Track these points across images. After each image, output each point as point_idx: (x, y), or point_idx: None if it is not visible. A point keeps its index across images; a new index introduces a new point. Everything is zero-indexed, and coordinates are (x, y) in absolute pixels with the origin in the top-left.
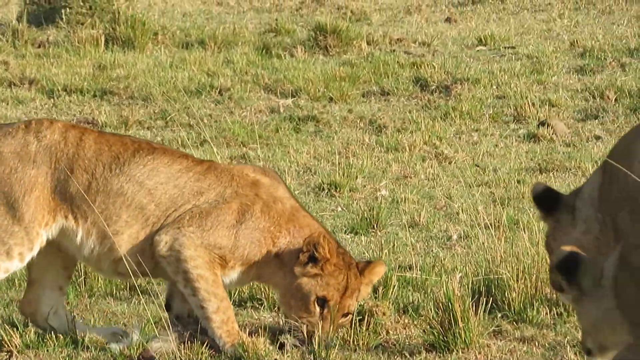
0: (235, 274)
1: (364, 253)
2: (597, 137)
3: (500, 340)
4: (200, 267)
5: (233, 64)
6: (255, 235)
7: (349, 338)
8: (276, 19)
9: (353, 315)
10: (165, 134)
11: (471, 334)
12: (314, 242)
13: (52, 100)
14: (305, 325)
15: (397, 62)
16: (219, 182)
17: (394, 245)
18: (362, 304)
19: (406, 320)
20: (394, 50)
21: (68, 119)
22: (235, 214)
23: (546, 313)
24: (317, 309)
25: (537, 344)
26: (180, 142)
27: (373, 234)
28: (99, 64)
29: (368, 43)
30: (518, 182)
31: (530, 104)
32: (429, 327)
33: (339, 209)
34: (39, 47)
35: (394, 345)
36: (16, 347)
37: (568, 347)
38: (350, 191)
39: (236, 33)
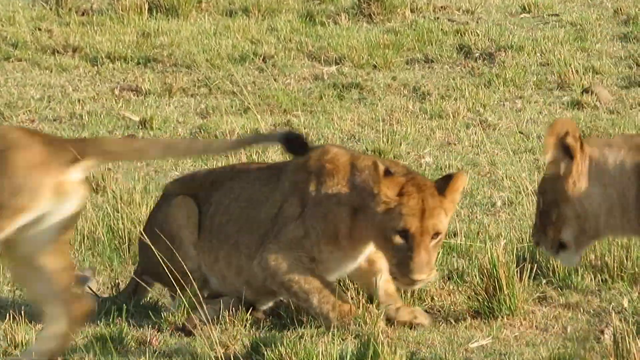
0: (328, 258)
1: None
2: None
3: (545, 307)
4: (287, 272)
5: (277, 32)
6: (320, 210)
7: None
8: None
9: (445, 234)
10: (208, 101)
11: (516, 300)
12: (369, 180)
13: (95, 67)
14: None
15: (441, 29)
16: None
17: None
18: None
19: (451, 287)
20: (437, 18)
21: (112, 87)
22: (295, 204)
23: (591, 279)
24: (402, 241)
25: (581, 310)
26: (223, 110)
27: None
28: (142, 31)
29: (412, 10)
30: None
31: (574, 71)
32: (473, 293)
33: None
34: (83, 15)
35: (439, 311)
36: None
37: (613, 313)
38: (394, 158)
39: (280, 1)
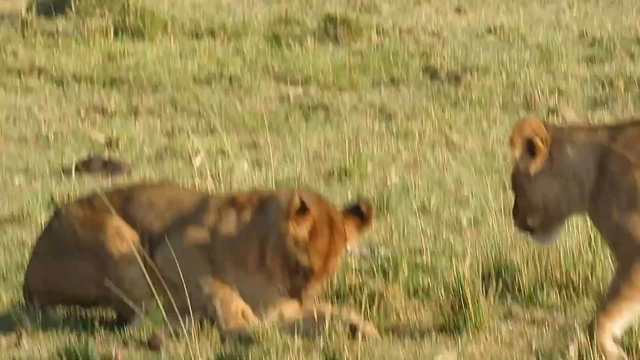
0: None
1: (374, 238)
2: None
3: (511, 323)
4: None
5: (243, 54)
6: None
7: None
8: (286, 9)
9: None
10: (174, 121)
11: (481, 317)
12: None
13: (61, 88)
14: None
15: (407, 51)
16: None
17: (404, 230)
18: (372, 287)
19: (417, 303)
20: (403, 40)
21: (78, 107)
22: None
23: (556, 296)
24: (301, 275)
25: (547, 326)
26: (189, 130)
27: (383, 219)
28: (108, 53)
29: (378, 33)
30: None
31: (539, 92)
32: (439, 309)
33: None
34: (49, 37)
35: (405, 328)
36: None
37: (578, 329)
38: (360, 178)
39: (246, 23)
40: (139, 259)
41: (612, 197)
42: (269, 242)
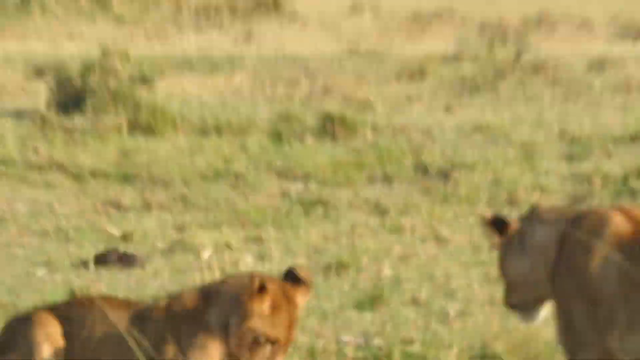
0: None
1: (368, 328)
2: None
3: None
4: None
5: (247, 150)
6: None
7: None
8: (287, 107)
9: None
10: (184, 216)
11: None
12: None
13: (79, 183)
14: None
15: (400, 149)
16: None
17: (396, 320)
18: None
19: None
20: (396, 138)
21: (94, 202)
22: None
23: None
24: (270, 347)
25: None
26: (198, 224)
27: (377, 310)
28: (122, 149)
29: (373, 130)
30: None
31: (522, 188)
32: None
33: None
34: (67, 133)
35: None
36: None
37: None
38: (355, 270)
39: (250, 121)
40: None
41: (565, 280)
42: (235, 319)
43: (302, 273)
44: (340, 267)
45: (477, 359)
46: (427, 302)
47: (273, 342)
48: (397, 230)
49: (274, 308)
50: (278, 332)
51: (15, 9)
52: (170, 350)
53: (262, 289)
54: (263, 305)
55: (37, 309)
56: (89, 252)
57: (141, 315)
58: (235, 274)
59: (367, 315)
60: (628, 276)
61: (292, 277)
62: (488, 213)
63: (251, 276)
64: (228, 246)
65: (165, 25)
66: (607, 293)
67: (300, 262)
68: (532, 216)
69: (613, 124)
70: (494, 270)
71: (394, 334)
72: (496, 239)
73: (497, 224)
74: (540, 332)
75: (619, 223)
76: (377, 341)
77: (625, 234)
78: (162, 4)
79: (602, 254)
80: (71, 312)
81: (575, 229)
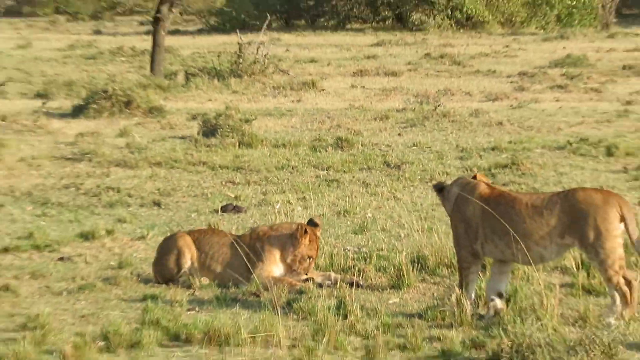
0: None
1: (360, 243)
2: None
3: None
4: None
5: (298, 155)
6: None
7: None
8: (318, 134)
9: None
10: (267, 188)
11: None
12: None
13: (215, 172)
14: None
15: (375, 154)
16: None
17: (374, 239)
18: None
19: None
20: (374, 149)
21: (222, 181)
22: None
23: None
24: (308, 261)
25: None
26: (273, 192)
27: (364, 234)
28: (235, 155)
29: (362, 145)
30: None
31: (437, 174)
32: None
33: None
34: (207, 147)
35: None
36: None
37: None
38: (353, 214)
39: (300, 141)
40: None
41: (455, 214)
42: (291, 248)
43: (317, 220)
44: (345, 212)
45: (415, 259)
46: (389, 230)
47: (310, 257)
48: (374, 194)
49: (310, 240)
50: (313, 253)
51: (182, 85)
52: (252, 260)
53: (305, 231)
54: (306, 240)
55: (179, 231)
56: (217, 205)
57: (237, 239)
58: (289, 221)
59: (359, 237)
60: (484, 213)
61: (312, 223)
62: (434, 183)
63: (299, 224)
64: (289, 202)
65: (258, 94)
66: (475, 221)
67: (322, 212)
68: (452, 183)
69: (482, 142)
70: (424, 214)
71: (373, 246)
72: (438, 194)
73: (439, 187)
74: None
75: (482, 187)
76: (364, 249)
77: (485, 193)
78: (256, 83)
79: (473, 202)
80: (199, 233)
81: (463, 190)
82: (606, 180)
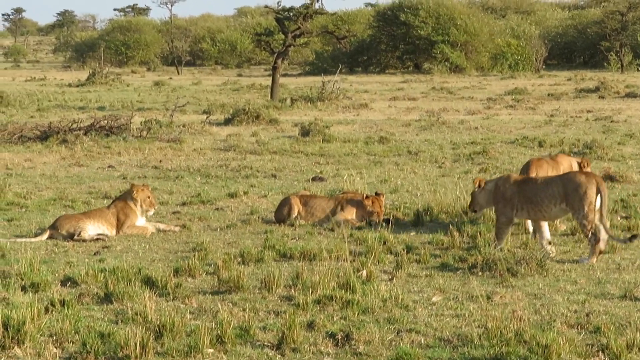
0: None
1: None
2: None
3: None
4: None
5: (357, 146)
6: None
7: None
8: (369, 137)
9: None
10: (338, 167)
11: None
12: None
13: (308, 158)
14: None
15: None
16: None
17: (386, 191)
18: None
19: None
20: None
21: (313, 162)
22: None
23: None
24: (375, 213)
25: None
26: (341, 169)
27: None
28: (321, 147)
29: (402, 141)
30: None
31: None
32: None
33: None
34: (303, 143)
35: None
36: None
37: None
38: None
39: (358, 138)
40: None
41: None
42: (359, 208)
43: (379, 192)
44: (384, 180)
45: (426, 208)
46: (410, 191)
47: (377, 212)
48: (402, 170)
49: (373, 202)
50: (378, 209)
51: (289, 106)
52: (338, 213)
53: (368, 198)
54: (369, 202)
55: (291, 194)
56: (309, 176)
57: (329, 197)
58: (355, 191)
59: (393, 195)
60: (520, 194)
61: (377, 193)
62: (477, 179)
63: (363, 193)
64: (351, 175)
65: (333, 111)
66: (512, 200)
67: (371, 181)
68: (498, 179)
69: (466, 139)
70: (432, 182)
71: (401, 200)
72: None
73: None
74: (446, 199)
75: (515, 177)
76: (396, 203)
77: (517, 180)
78: (332, 105)
79: (507, 188)
80: (304, 196)
81: (501, 182)
82: None
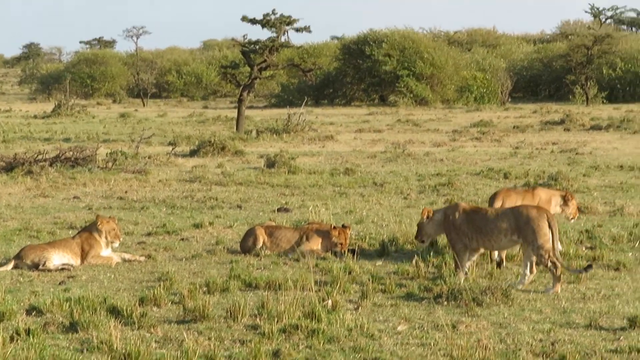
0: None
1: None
2: None
3: None
4: None
5: (323, 177)
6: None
7: None
8: (334, 168)
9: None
10: (304, 198)
11: None
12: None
13: (274, 189)
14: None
15: (364, 178)
16: None
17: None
18: None
19: None
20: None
21: (279, 193)
22: None
23: None
24: (339, 246)
25: None
26: (305, 199)
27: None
28: (287, 179)
29: (364, 173)
30: None
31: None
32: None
33: None
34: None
35: None
36: None
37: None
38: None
39: (323, 170)
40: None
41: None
42: (325, 240)
43: (347, 224)
44: (350, 211)
45: (391, 239)
46: (376, 222)
47: (342, 243)
48: (367, 201)
49: (339, 233)
50: (343, 240)
51: (255, 137)
52: (303, 244)
53: (335, 229)
54: (336, 232)
55: (256, 225)
56: (275, 207)
57: (294, 228)
58: (322, 222)
59: (359, 226)
60: (469, 224)
61: (344, 225)
62: (426, 209)
63: (331, 224)
64: (316, 206)
65: (299, 143)
66: (462, 227)
67: (336, 212)
68: (447, 209)
69: (431, 170)
70: (397, 212)
71: (366, 231)
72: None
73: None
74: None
75: (464, 206)
76: (361, 233)
77: (466, 209)
78: (298, 136)
79: (457, 217)
80: (269, 226)
81: (450, 212)
82: None
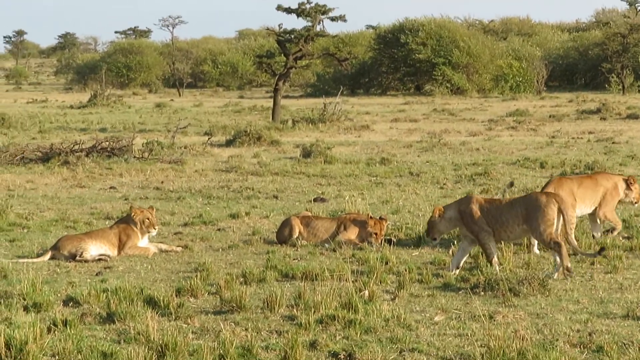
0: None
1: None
2: None
3: None
4: None
5: (359, 167)
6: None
7: None
8: (370, 157)
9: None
10: (339, 188)
11: None
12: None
13: (310, 179)
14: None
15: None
16: None
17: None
18: None
19: None
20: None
21: (315, 183)
22: None
23: None
24: (374, 235)
25: None
26: (343, 190)
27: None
28: (322, 169)
29: (400, 162)
30: None
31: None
32: None
33: None
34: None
35: None
36: None
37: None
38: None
39: (359, 159)
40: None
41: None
42: (363, 229)
43: (384, 216)
44: (386, 201)
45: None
46: (412, 212)
47: (376, 233)
48: (403, 191)
49: (375, 223)
50: (378, 230)
51: (290, 127)
52: (340, 234)
53: (372, 219)
54: (372, 222)
55: (292, 215)
56: (311, 197)
57: (330, 218)
58: (359, 213)
59: (395, 216)
60: (487, 214)
61: (381, 217)
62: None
63: (368, 214)
64: (353, 196)
65: (335, 132)
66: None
67: (372, 202)
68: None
69: (467, 160)
70: (433, 202)
71: (402, 221)
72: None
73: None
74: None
75: (477, 198)
76: (397, 223)
77: (480, 200)
78: (334, 126)
79: (472, 208)
80: (305, 217)
81: (464, 206)
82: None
